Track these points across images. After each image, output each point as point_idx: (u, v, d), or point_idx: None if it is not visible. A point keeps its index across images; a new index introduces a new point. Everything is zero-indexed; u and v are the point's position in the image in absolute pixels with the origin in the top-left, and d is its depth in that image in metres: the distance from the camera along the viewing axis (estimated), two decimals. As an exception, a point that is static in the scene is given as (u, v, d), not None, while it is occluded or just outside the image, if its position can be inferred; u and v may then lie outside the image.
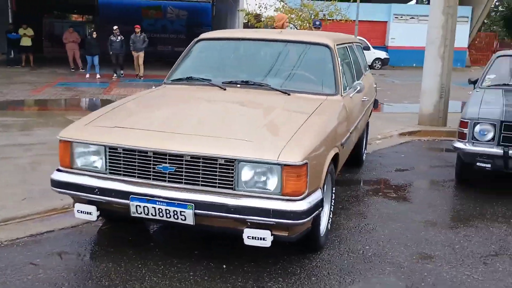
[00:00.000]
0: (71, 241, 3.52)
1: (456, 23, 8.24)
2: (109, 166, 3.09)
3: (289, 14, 13.85)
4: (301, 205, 2.83)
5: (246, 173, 2.88)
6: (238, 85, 4.01)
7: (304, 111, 3.51)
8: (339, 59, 4.22)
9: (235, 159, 2.86)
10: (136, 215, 3.01)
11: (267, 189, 2.86)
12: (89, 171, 3.14)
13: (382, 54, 24.71)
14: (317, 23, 8.59)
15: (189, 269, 3.13)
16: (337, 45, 4.36)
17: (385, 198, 4.83)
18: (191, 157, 2.91)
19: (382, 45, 27.04)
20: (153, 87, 4.32)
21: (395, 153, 6.80)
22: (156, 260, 3.24)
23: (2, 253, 3.29)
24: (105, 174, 3.10)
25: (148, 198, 2.96)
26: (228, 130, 3.14)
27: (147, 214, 2.99)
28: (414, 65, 26.10)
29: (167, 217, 2.95)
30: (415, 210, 4.49)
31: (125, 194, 3.00)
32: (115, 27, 15.26)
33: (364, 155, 6.03)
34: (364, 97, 4.88)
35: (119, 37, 15.31)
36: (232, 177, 2.88)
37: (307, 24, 13.37)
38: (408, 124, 8.45)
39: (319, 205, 3.01)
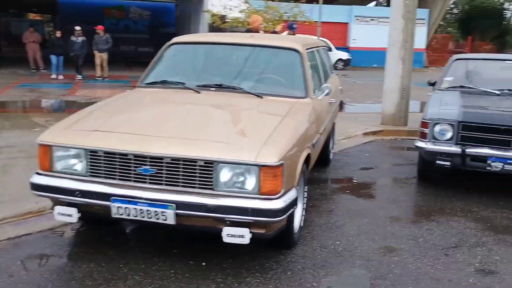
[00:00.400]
0: (50, 243, 3.57)
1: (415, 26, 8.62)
2: (90, 169, 3.16)
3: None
4: (278, 204, 2.99)
5: (224, 174, 3.02)
6: (212, 89, 4.13)
7: (277, 113, 3.67)
8: (308, 63, 4.41)
9: (214, 161, 2.99)
10: (117, 216, 3.10)
11: (245, 188, 3.01)
12: (70, 174, 3.21)
13: (344, 55, 25.24)
14: (294, 26, 8.72)
15: (170, 267, 3.24)
16: (306, 49, 4.55)
17: (352, 195, 5.06)
18: (171, 159, 3.03)
19: (344, 46, 27.61)
20: (127, 90, 4.40)
21: (360, 152, 7.07)
22: (137, 259, 3.34)
23: (-19, 257, 3.31)
24: (86, 176, 3.17)
25: (130, 199, 3.05)
26: (207, 133, 3.27)
27: (128, 215, 3.08)
28: (374, 65, 26.75)
29: (148, 217, 3.06)
30: (381, 206, 4.73)
31: (106, 196, 3.09)
32: (77, 28, 14.95)
33: (332, 154, 6.26)
34: (332, 99, 5.09)
35: (80, 38, 14.96)
36: (212, 178, 3.01)
37: (272, 26, 13.60)
38: (371, 124, 8.75)
39: (294, 203, 3.18)
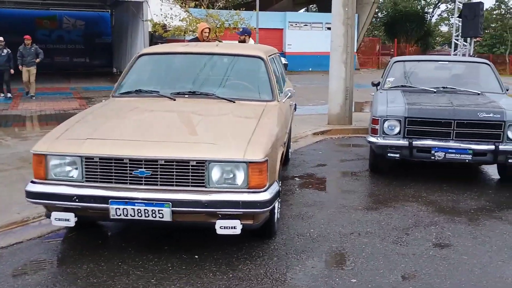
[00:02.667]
0: (44, 249, 3.70)
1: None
2: (86, 174, 3.36)
3: (195, 24, 14.31)
4: (265, 195, 3.33)
5: (215, 172, 3.32)
6: (186, 96, 4.42)
7: (252, 116, 4.02)
8: (271, 69, 4.80)
9: (205, 160, 3.29)
10: (116, 217, 3.31)
11: (235, 184, 3.33)
12: (66, 181, 3.38)
13: (282, 60, 25.94)
14: (247, 31, 8.96)
15: (166, 262, 3.49)
16: (268, 56, 4.94)
17: (315, 189, 5.49)
18: (165, 161, 3.29)
19: (280, 52, 28.30)
20: (103, 100, 4.57)
21: (313, 150, 7.55)
22: (133, 257, 3.55)
23: (-22, 267, 3.40)
24: (82, 182, 3.36)
25: (127, 200, 3.28)
26: (195, 136, 3.57)
27: (126, 216, 3.30)
28: (310, 69, 27.75)
29: (146, 216, 3.30)
30: (343, 197, 5.19)
31: (105, 199, 3.30)
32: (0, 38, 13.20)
33: (289, 153, 6.67)
34: (291, 102, 5.51)
35: (5, 50, 13.19)
36: (204, 176, 3.31)
37: (215, 33, 13.93)
38: (319, 124, 9.29)
39: (278, 195, 3.55)
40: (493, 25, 40.78)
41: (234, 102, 4.33)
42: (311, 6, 41.59)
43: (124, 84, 4.69)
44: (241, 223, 3.35)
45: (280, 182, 4.26)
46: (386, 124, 5.63)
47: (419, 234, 4.17)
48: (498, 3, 41.16)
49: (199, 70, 4.85)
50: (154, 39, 19.37)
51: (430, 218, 4.57)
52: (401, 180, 5.81)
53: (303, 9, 41.13)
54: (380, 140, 5.66)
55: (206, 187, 3.32)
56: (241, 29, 10.71)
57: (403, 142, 5.55)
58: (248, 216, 3.39)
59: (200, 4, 16.03)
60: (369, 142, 5.80)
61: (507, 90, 6.68)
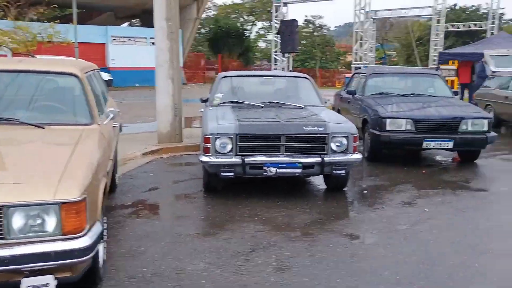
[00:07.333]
0: None
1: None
2: None
3: (1, 37, 12.64)
4: (85, 241, 2.78)
5: (17, 219, 2.67)
6: (-20, 123, 3.60)
7: (66, 143, 3.41)
8: (89, 87, 4.21)
9: (3, 206, 2.62)
10: None
11: (45, 231, 2.71)
12: None
13: (106, 76, 24.59)
14: None
15: None
16: (84, 73, 4.33)
17: (147, 218, 5.00)
18: None
19: (103, 67, 26.99)
20: None
21: (144, 173, 7.03)
22: None
23: None
24: None
25: None
26: (-11, 175, 2.84)
27: None
28: (137, 84, 26.95)
29: None
30: (178, 224, 4.80)
31: None
32: None
33: (117, 179, 6.06)
34: (115, 123, 4.96)
35: None
36: (1, 225, 2.63)
37: (25, 47, 12.48)
38: (149, 143, 8.78)
39: (101, 237, 3.01)
40: (304, 42, 44.70)
41: (43, 128, 3.65)
42: (134, 20, 40.66)
43: None
44: (55, 278, 2.74)
45: (105, 218, 3.70)
46: (218, 142, 5.42)
47: (259, 258, 3.98)
48: (306, 22, 45.37)
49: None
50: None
51: (268, 238, 4.43)
52: (236, 198, 5.65)
53: (126, 24, 40.04)
54: (212, 159, 5.42)
55: (6, 239, 2.64)
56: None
57: (236, 160, 5.40)
58: (64, 268, 2.79)
59: (5, 15, 14.28)
60: (202, 161, 5.53)
61: (326, 102, 7.05)
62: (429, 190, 6.20)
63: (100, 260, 3.36)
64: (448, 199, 5.82)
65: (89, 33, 26.64)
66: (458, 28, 34.05)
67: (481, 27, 32.87)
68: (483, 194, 6.13)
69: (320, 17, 46.45)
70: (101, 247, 3.39)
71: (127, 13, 34.12)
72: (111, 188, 5.62)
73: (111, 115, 4.29)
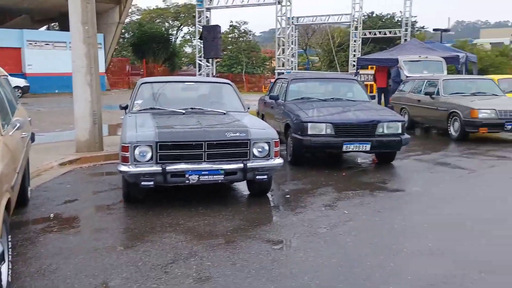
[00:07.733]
0: None
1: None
2: None
3: None
4: (-18, 264, 2.55)
5: None
6: None
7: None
8: (-9, 96, 3.92)
9: None
10: None
11: None
12: None
13: (22, 82, 23.37)
14: None
15: None
16: (-15, 80, 4.03)
17: (61, 233, 4.73)
18: None
19: (19, 73, 25.57)
20: None
21: (60, 184, 6.67)
22: None
23: None
24: None
25: None
26: None
27: None
28: (56, 91, 25.74)
29: None
30: (94, 238, 4.58)
31: None
32: None
33: (29, 192, 5.70)
34: (23, 133, 4.65)
35: None
36: None
37: None
38: (66, 153, 8.38)
39: (2, 259, 2.77)
40: (230, 47, 44.94)
41: None
42: (52, 24, 38.84)
43: None
44: None
45: (10, 236, 3.44)
46: (137, 151, 5.25)
47: (179, 270, 3.87)
48: (231, 27, 45.61)
49: None
50: None
51: (189, 248, 4.33)
52: (157, 208, 5.49)
53: (44, 27, 38.16)
54: (132, 169, 5.24)
55: None
56: None
57: (157, 168, 5.25)
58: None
59: None
60: (120, 171, 5.33)
61: (249, 108, 7.06)
62: (348, 192, 6.38)
63: (3, 282, 3.11)
64: (366, 200, 6.01)
65: (3, 37, 25.16)
66: (375, 34, 35.74)
67: (396, 34, 34.74)
68: (398, 195, 6.39)
69: (245, 22, 46.70)
70: (3, 269, 3.14)
71: (44, 16, 32.49)
72: (22, 203, 5.30)
73: (17, 125, 4.00)
